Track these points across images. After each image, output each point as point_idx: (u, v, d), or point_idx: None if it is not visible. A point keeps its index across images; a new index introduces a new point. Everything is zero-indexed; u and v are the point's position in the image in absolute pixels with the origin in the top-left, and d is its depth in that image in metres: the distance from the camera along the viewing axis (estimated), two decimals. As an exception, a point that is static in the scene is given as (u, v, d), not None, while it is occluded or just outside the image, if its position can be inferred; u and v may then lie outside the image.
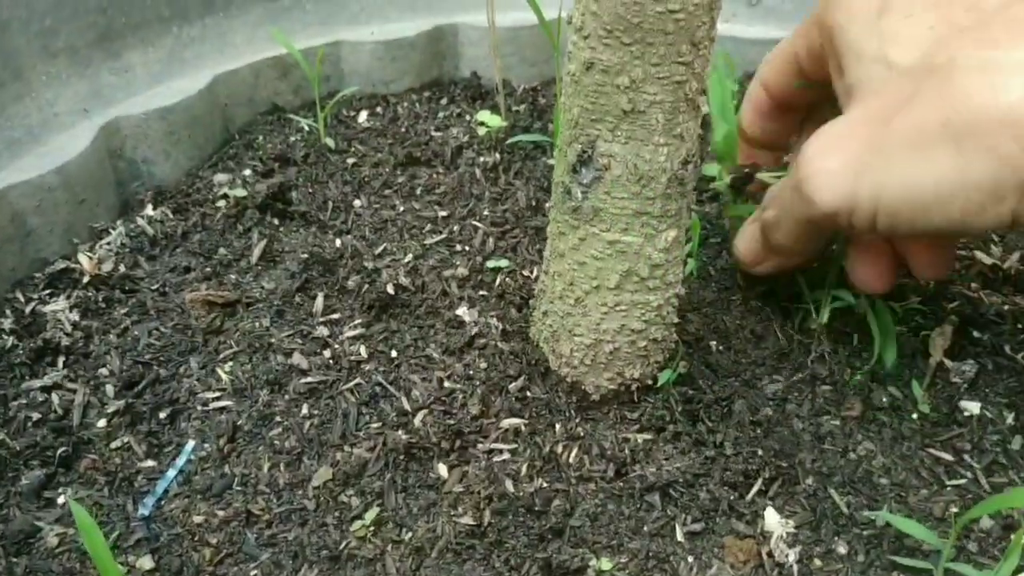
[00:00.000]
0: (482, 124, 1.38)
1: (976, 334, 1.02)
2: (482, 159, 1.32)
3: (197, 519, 0.84)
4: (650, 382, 0.94)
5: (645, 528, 0.82)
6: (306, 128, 1.39)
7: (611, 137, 0.79)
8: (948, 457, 0.89)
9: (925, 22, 0.76)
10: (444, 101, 1.50)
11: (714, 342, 1.01)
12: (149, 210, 1.21)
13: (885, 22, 0.79)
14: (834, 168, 0.77)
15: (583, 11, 0.76)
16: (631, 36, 0.73)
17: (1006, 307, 1.06)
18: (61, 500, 0.87)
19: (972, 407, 0.93)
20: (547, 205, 1.23)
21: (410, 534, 0.81)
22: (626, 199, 0.82)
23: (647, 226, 0.83)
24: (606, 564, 0.79)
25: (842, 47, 0.82)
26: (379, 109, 1.47)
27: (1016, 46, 0.67)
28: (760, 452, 0.88)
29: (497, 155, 1.33)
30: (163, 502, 0.86)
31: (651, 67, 0.75)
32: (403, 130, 1.41)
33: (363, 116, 1.45)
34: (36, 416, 0.93)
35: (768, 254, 0.97)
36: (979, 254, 1.13)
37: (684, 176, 0.82)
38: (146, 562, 0.81)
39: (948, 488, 0.86)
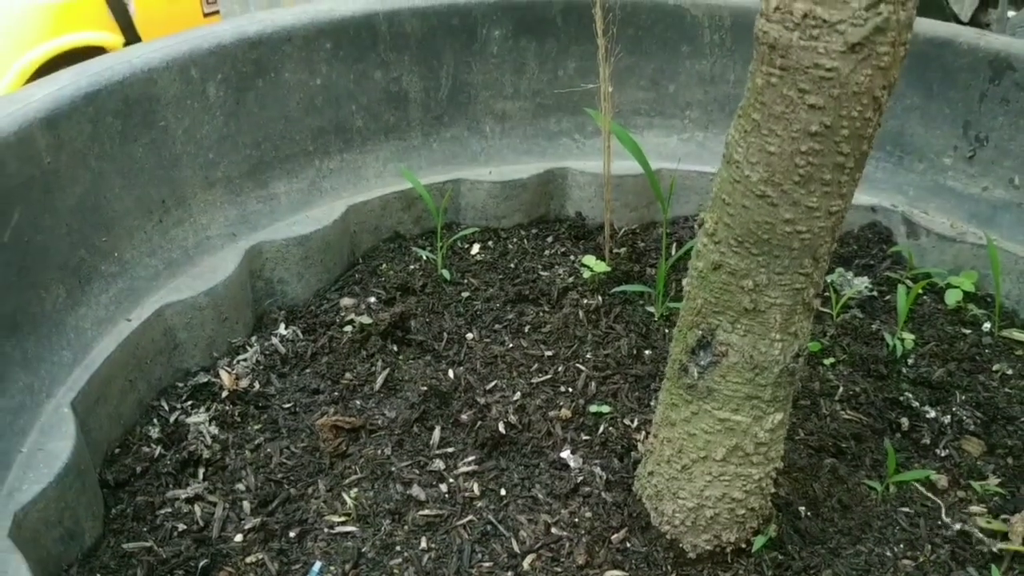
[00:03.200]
0: (586, 267, 1.47)
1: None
2: (585, 301, 1.42)
3: (324, 641, 0.92)
4: (744, 546, 1.00)
5: None
6: (424, 257, 1.51)
7: (731, 328, 0.88)
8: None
9: None
10: (550, 239, 1.61)
11: (803, 507, 1.07)
12: (282, 329, 1.32)
13: None
14: None
15: (716, 219, 0.85)
16: (759, 248, 0.82)
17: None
18: (200, 609, 0.96)
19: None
20: (646, 353, 1.31)
21: (519, 677, 0.88)
22: (739, 384, 0.90)
23: (756, 408, 0.91)
24: None
25: None
26: (491, 243, 1.58)
27: None
28: (846, 624, 0.94)
29: (599, 298, 1.42)
30: (291, 619, 0.95)
31: (775, 275, 0.83)
32: (512, 266, 1.51)
33: (476, 248, 1.56)
34: (181, 527, 1.03)
35: None
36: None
37: (795, 368, 0.90)
38: None
39: None
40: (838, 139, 0.76)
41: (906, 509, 1.08)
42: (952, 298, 1.43)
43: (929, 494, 1.11)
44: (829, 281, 1.46)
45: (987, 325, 1.39)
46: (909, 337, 1.34)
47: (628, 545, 1.02)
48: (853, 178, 0.80)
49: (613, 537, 1.02)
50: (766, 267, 0.83)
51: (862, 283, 1.45)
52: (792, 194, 0.79)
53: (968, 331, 1.38)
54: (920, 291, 1.41)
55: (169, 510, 1.05)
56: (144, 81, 1.20)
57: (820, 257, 0.84)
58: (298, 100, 1.41)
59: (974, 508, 1.09)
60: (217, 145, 1.31)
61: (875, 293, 1.45)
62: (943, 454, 1.17)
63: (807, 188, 0.78)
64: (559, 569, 0.98)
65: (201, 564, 0.98)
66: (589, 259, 1.49)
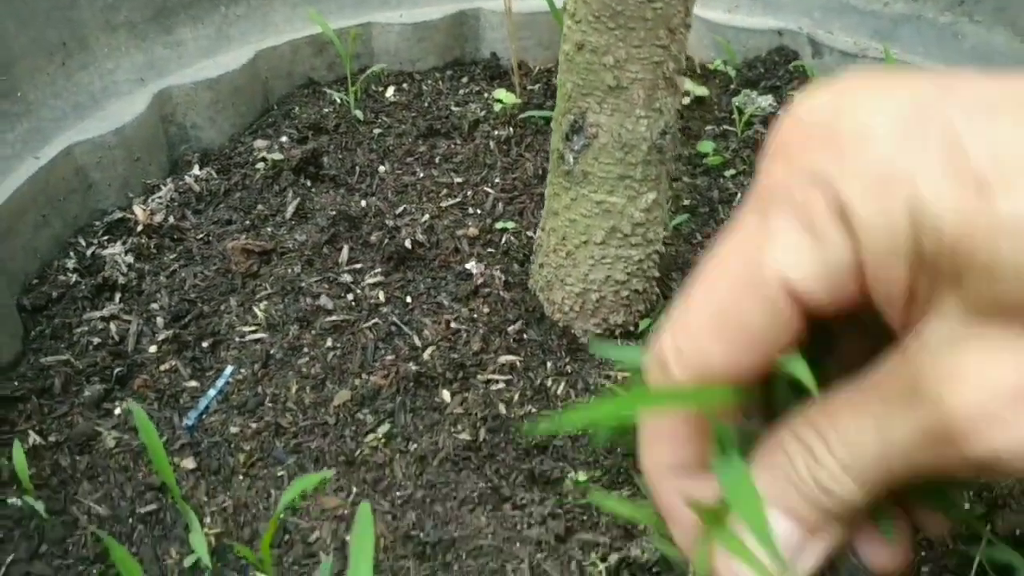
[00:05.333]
0: (498, 101, 1.50)
1: None
2: (496, 132, 1.45)
3: (233, 430, 0.98)
4: (632, 328, 1.06)
5: (619, 449, 0.95)
6: (338, 101, 1.53)
7: (599, 109, 0.92)
8: None
9: None
10: (465, 79, 1.63)
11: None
12: (196, 170, 1.35)
13: None
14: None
15: (576, -1, 0.88)
16: (615, 21, 0.86)
17: None
18: (117, 411, 1.01)
19: None
20: (553, 175, 1.35)
21: (415, 446, 0.95)
22: (611, 164, 0.94)
23: (629, 188, 0.96)
24: (582, 476, 0.91)
25: (989, 259, 0.61)
26: (405, 85, 1.60)
27: None
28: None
29: (510, 129, 1.45)
30: (204, 416, 1.00)
31: (633, 48, 0.87)
32: (426, 105, 1.54)
33: (390, 91, 1.58)
34: (96, 341, 1.08)
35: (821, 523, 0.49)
36: None
37: (663, 145, 0.94)
38: (189, 463, 0.95)
39: None
40: (676, -101, 0.78)
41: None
42: (852, 111, 1.47)
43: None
44: (735, 103, 1.49)
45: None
46: (806, 146, 1.39)
47: (524, 336, 1.07)
48: (697, -58, 0.83)
49: (510, 328, 1.08)
50: (623, 41, 0.87)
51: (765, 101, 1.49)
52: (639, -39, 0.82)
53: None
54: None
55: (86, 328, 1.10)
56: (32, -80, 1.20)
57: (675, 28, 0.87)
58: (198, -57, 1.41)
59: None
60: (116, -12, 1.31)
61: (778, 111, 1.49)
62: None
63: (652, -47, 0.82)
64: (455, 355, 1.03)
65: (116, 371, 1.03)
66: (500, 92, 1.51)
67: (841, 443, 0.38)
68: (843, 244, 0.34)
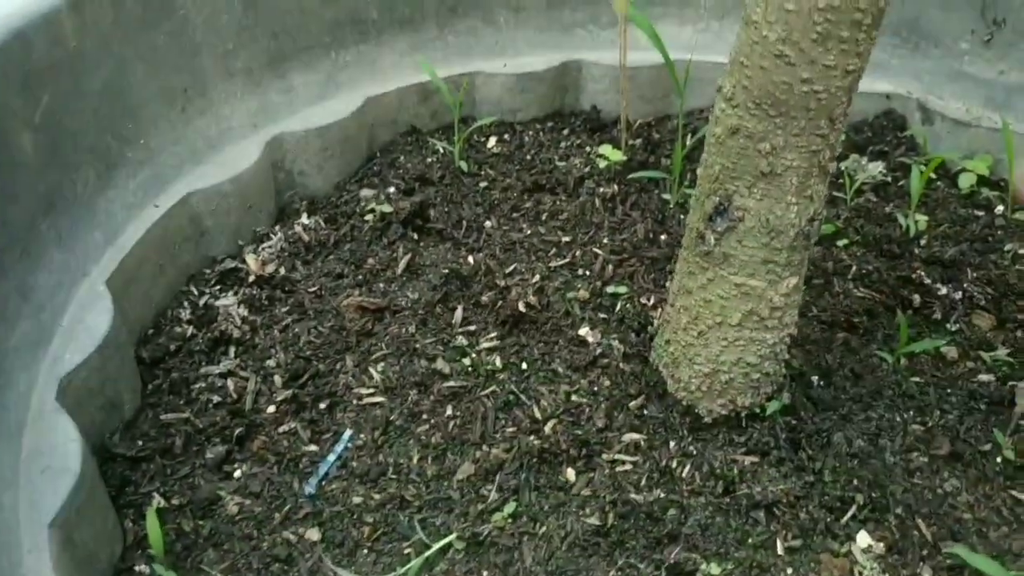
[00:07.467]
0: (602, 157, 1.49)
1: (1062, 387, 1.10)
2: (601, 189, 1.44)
3: (356, 500, 0.96)
4: (758, 411, 1.04)
5: (750, 540, 0.93)
6: (441, 150, 1.52)
7: (747, 193, 0.90)
8: (1030, 500, 0.98)
9: None
10: (566, 131, 1.62)
11: (815, 377, 1.10)
12: (304, 218, 1.35)
13: None
14: None
15: (735, 83, 0.86)
16: (776, 110, 0.84)
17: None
18: (237, 473, 1.00)
19: (1055, 455, 1.02)
20: (662, 238, 1.34)
21: (543, 528, 0.93)
22: (756, 248, 0.92)
23: (772, 273, 0.94)
24: (715, 569, 0.89)
25: None
26: (507, 136, 1.59)
27: None
28: (855, 481, 0.98)
29: (615, 186, 1.44)
30: (324, 483, 0.99)
31: (792, 137, 0.85)
32: (528, 157, 1.53)
33: (492, 141, 1.57)
34: (215, 399, 1.07)
35: None
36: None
37: (810, 232, 0.92)
38: (313, 534, 0.93)
39: (1029, 528, 0.95)
40: (855, -6, 0.77)
41: (916, 379, 1.11)
42: (966, 182, 1.44)
43: (939, 364, 1.14)
44: (843, 167, 1.47)
45: (1000, 208, 1.40)
46: (922, 218, 1.36)
47: (645, 411, 1.05)
48: (870, 36, 0.81)
49: (631, 404, 1.06)
50: (783, 129, 0.85)
51: (876, 168, 1.46)
52: (810, 53, 0.80)
53: (981, 213, 1.39)
54: (933, 174, 1.43)
55: (203, 384, 1.09)
56: (161, -31, 1.21)
57: (836, 118, 0.85)
58: (313, -9, 1.41)
59: (983, 377, 1.12)
60: (236, 35, 1.32)
61: (889, 178, 1.47)
62: (954, 328, 1.19)
63: (824, 46, 0.80)
64: (579, 432, 1.02)
65: (236, 432, 1.03)
66: (605, 148, 1.50)
67: None
68: None
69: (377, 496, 0.97)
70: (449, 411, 1.06)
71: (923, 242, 1.33)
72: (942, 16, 1.52)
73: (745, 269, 0.94)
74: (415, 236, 1.33)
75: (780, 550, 0.92)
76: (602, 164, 1.48)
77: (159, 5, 1.19)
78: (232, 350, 1.14)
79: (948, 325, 1.20)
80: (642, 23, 1.31)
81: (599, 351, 1.12)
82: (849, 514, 0.96)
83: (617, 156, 1.47)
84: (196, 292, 1.22)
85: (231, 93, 1.33)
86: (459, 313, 1.19)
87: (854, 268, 1.28)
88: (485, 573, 0.89)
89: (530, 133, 1.60)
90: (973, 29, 1.50)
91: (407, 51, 1.54)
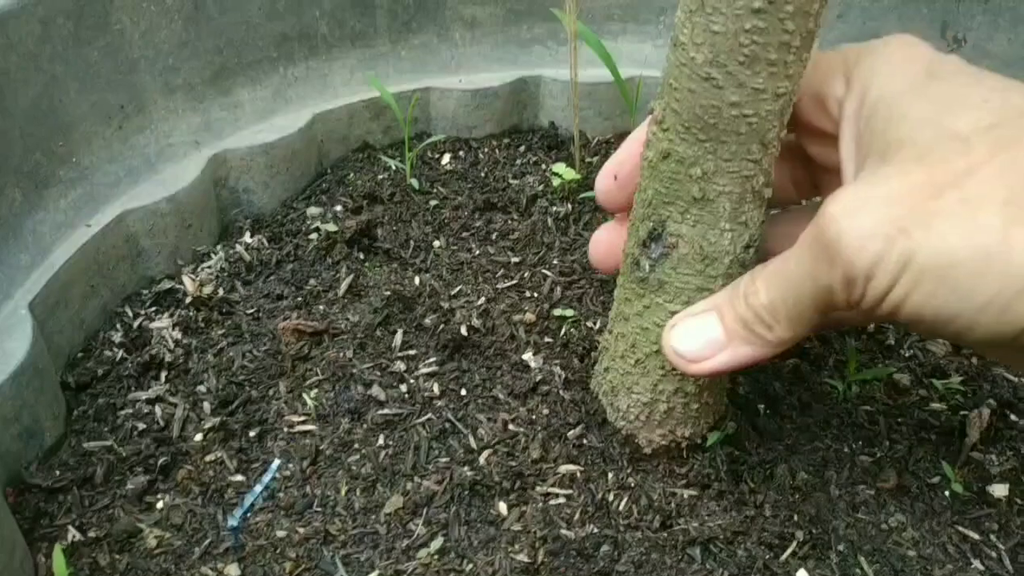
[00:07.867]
0: (556, 175, 1.46)
1: (1013, 418, 1.08)
2: (554, 208, 1.41)
3: (280, 533, 0.93)
4: (699, 441, 1.01)
5: (684, 580, 0.89)
6: (393, 167, 1.49)
7: (681, 219, 0.87)
8: (975, 536, 0.95)
9: (978, 95, 0.73)
10: (522, 148, 1.59)
11: (762, 405, 1.07)
12: (247, 237, 1.32)
13: (936, 88, 0.76)
14: (866, 226, 0.67)
15: (665, 106, 0.83)
16: (706, 134, 0.81)
17: (1046, 394, 1.11)
18: (159, 504, 0.97)
19: (1001, 490, 0.99)
20: (614, 259, 1.31)
21: (470, 566, 0.89)
22: (690, 275, 0.89)
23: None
24: (647, 609, 0.86)
25: (880, 106, 0.78)
26: (461, 153, 1.56)
27: None
28: (796, 516, 0.95)
29: (568, 206, 1.41)
30: (249, 515, 0.96)
31: (723, 162, 0.82)
32: (483, 175, 1.50)
33: (446, 159, 1.54)
34: (141, 426, 1.04)
35: (735, 345, 0.84)
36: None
37: (745, 259, 0.89)
38: (233, 570, 0.90)
39: (972, 566, 0.92)
40: (783, 16, 0.74)
41: (867, 407, 1.09)
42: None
43: (891, 392, 1.11)
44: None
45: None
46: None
47: (584, 441, 1.02)
48: (800, 58, 0.78)
49: (569, 433, 1.03)
50: (713, 153, 0.82)
51: (835, 188, 1.43)
52: (738, 75, 0.77)
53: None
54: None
55: (130, 411, 1.06)
56: (97, -17, 1.18)
57: (768, 143, 0.83)
58: (259, 5, 1.38)
59: (935, 405, 1.09)
60: (177, 50, 1.29)
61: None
62: (908, 354, 1.17)
63: (752, 69, 0.77)
64: (514, 463, 0.99)
65: (161, 462, 0.99)
66: (559, 167, 1.47)
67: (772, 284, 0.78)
68: None
69: (301, 530, 0.93)
70: (381, 440, 1.02)
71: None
72: (901, 31, 1.50)
73: (680, 297, 0.91)
74: (360, 256, 1.30)
75: (716, 588, 0.89)
76: (556, 183, 1.46)
77: (93, 21, 1.16)
78: (163, 375, 1.11)
79: (902, 351, 1.17)
80: (590, 39, 1.29)
81: (540, 377, 1.09)
82: (789, 551, 0.92)
83: (571, 175, 1.45)
84: (131, 314, 1.19)
85: (171, 110, 1.30)
86: (399, 337, 1.16)
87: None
88: (406, 613, 0.86)
89: (485, 150, 1.57)
90: (934, 47, 1.47)
91: (358, 66, 1.51)
